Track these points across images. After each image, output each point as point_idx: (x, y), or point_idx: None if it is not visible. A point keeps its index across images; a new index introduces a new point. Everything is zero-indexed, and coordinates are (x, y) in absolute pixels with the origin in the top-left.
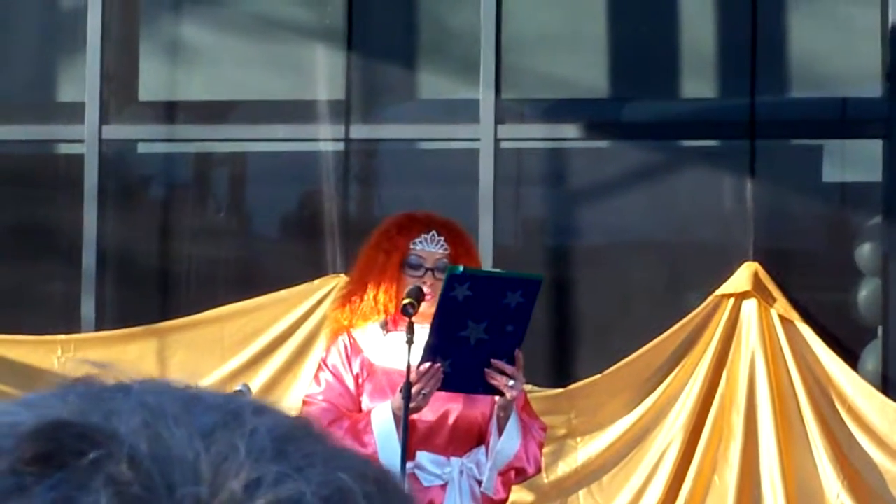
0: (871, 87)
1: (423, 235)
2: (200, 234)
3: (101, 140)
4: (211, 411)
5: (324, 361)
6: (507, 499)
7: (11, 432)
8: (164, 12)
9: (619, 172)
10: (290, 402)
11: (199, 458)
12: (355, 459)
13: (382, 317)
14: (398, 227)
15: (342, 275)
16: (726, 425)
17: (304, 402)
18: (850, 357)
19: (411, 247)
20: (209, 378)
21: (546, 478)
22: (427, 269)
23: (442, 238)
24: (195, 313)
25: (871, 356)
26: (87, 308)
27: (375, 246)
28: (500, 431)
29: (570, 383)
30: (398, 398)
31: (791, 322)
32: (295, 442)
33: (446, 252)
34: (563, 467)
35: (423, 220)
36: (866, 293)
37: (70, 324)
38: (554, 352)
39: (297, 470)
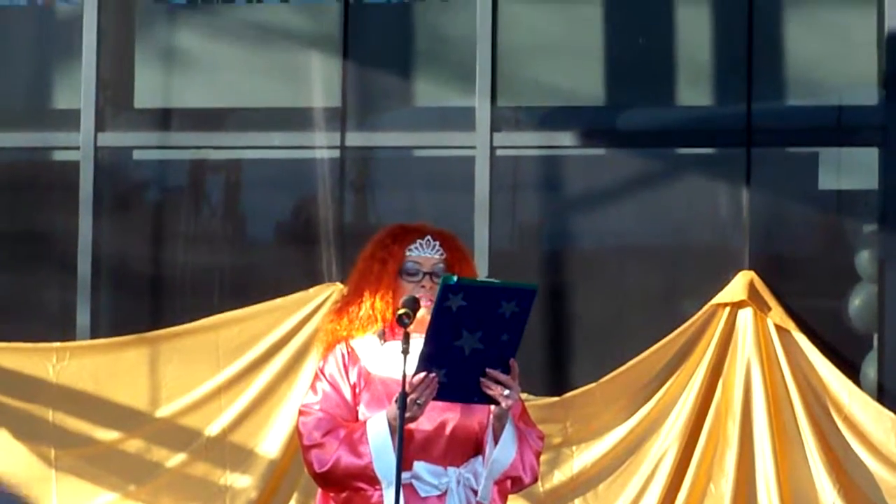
0: (867, 94)
1: (417, 242)
2: (196, 242)
3: (96, 147)
4: None
5: (321, 371)
6: None
7: None
8: (160, 20)
9: (614, 180)
10: (285, 410)
11: None
12: None
13: (379, 325)
14: (392, 237)
15: (338, 283)
16: (722, 434)
17: (301, 412)
18: (846, 364)
19: (407, 253)
20: (204, 386)
21: (542, 486)
22: (424, 274)
23: (437, 243)
24: (190, 321)
25: (870, 365)
26: (83, 316)
27: (370, 256)
28: (496, 441)
29: (565, 391)
30: (393, 408)
31: (787, 331)
32: None
33: (442, 257)
34: (559, 476)
35: (417, 229)
36: (862, 300)
37: (65, 331)
38: (549, 360)
39: None
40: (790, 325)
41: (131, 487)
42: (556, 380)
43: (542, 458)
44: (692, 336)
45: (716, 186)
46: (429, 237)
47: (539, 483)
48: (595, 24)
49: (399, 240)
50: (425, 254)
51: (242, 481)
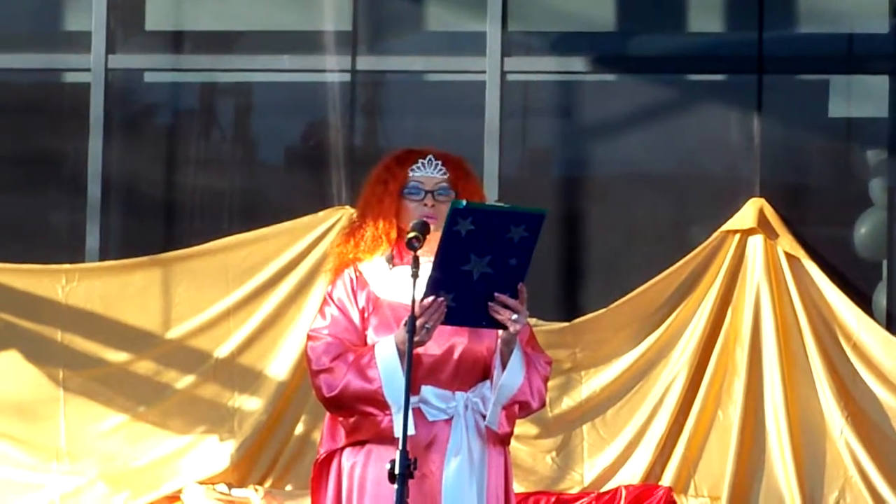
0: (878, 23)
1: (420, 161)
2: (206, 165)
3: (107, 69)
4: None
5: (329, 295)
6: (511, 433)
7: None
8: None
9: (626, 106)
10: (294, 333)
11: None
12: None
13: (388, 250)
14: (396, 160)
15: (347, 207)
16: (730, 361)
17: (309, 337)
18: (856, 292)
19: (410, 174)
20: (214, 308)
21: (550, 411)
22: (426, 192)
23: (439, 162)
24: (200, 243)
25: (881, 293)
26: (92, 238)
27: (375, 180)
28: (504, 365)
29: (575, 317)
30: (402, 332)
31: (797, 258)
32: None
33: (445, 176)
34: (568, 401)
35: (421, 151)
36: (869, 228)
37: (75, 253)
38: (559, 286)
39: None
40: (800, 253)
41: (140, 409)
42: (566, 305)
43: (551, 383)
44: (701, 263)
45: (727, 114)
46: (431, 156)
47: (548, 408)
48: None
49: (402, 161)
50: (427, 173)
51: (251, 403)
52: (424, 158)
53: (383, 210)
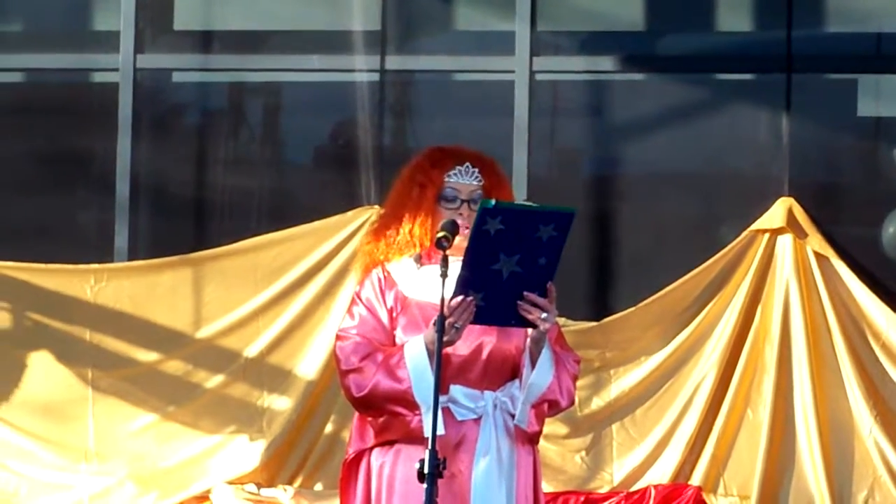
0: None
1: (456, 168)
2: (234, 165)
3: (135, 69)
4: None
5: (357, 295)
6: (540, 432)
7: None
8: None
9: (654, 106)
10: (322, 333)
11: None
12: None
13: (417, 250)
14: (431, 161)
15: (376, 206)
16: (760, 360)
17: (338, 337)
18: (885, 292)
19: (446, 180)
20: (243, 308)
21: (580, 411)
22: (462, 201)
23: (476, 170)
24: (228, 243)
25: None
26: (121, 237)
27: (409, 180)
28: (533, 364)
29: (605, 316)
30: (431, 332)
31: (826, 258)
32: None
33: (480, 184)
34: (597, 401)
35: (456, 153)
36: None
37: (103, 253)
38: (588, 285)
39: None
40: (829, 252)
41: (169, 409)
42: (596, 305)
43: (581, 383)
44: (730, 262)
45: (755, 113)
46: (468, 164)
47: (577, 408)
48: None
49: (438, 165)
50: (464, 181)
51: (280, 403)
52: (462, 165)
53: (420, 215)
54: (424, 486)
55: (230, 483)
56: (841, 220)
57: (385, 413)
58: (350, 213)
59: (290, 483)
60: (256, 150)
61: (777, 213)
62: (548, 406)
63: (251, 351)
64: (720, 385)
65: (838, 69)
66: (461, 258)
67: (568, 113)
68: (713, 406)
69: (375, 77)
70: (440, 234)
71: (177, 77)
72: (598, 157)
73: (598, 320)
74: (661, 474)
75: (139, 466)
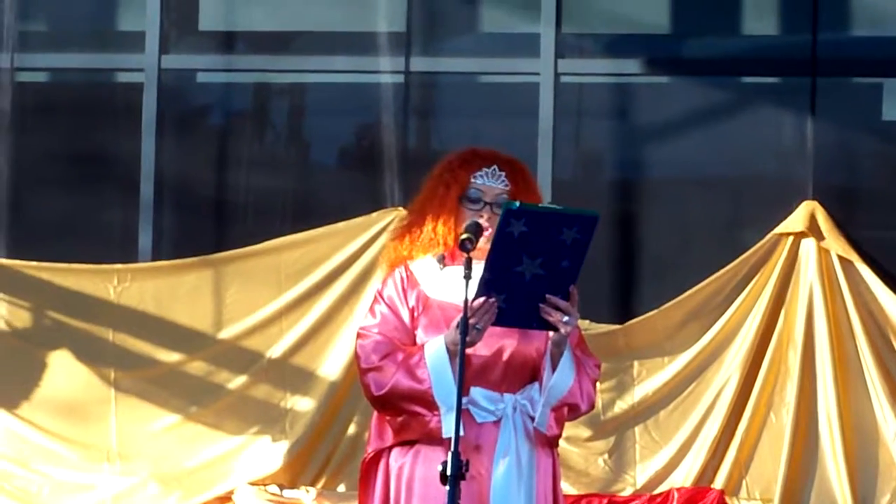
0: None
1: (484, 170)
2: (259, 165)
3: (160, 69)
4: None
5: (379, 293)
6: (560, 435)
7: None
8: None
9: (679, 108)
10: (346, 334)
11: None
12: None
13: (440, 250)
14: (461, 161)
15: (400, 208)
16: (783, 364)
17: (359, 335)
18: None
19: (472, 180)
20: (266, 309)
21: (603, 414)
22: (486, 204)
23: (503, 174)
24: (252, 244)
25: None
26: (145, 238)
27: (437, 178)
28: (554, 367)
29: (628, 319)
30: (452, 332)
31: (850, 261)
32: None
33: (506, 188)
34: (620, 404)
35: (487, 156)
36: None
37: (127, 253)
38: (612, 288)
39: None
40: (853, 256)
41: (192, 409)
42: (619, 307)
43: (604, 386)
44: (754, 265)
45: (780, 116)
46: (495, 167)
47: (600, 411)
48: None
49: (466, 165)
50: (490, 183)
51: (303, 404)
52: (489, 167)
53: (443, 213)
54: (445, 487)
55: (253, 484)
56: (865, 223)
57: (404, 412)
58: (374, 215)
59: (312, 484)
60: (281, 151)
61: (800, 216)
62: (567, 410)
63: (274, 352)
64: (743, 388)
65: (863, 73)
66: (483, 260)
67: (592, 115)
68: (736, 409)
69: (400, 78)
70: (464, 236)
71: (201, 77)
72: (623, 159)
73: (621, 323)
74: (683, 477)
75: (162, 467)
